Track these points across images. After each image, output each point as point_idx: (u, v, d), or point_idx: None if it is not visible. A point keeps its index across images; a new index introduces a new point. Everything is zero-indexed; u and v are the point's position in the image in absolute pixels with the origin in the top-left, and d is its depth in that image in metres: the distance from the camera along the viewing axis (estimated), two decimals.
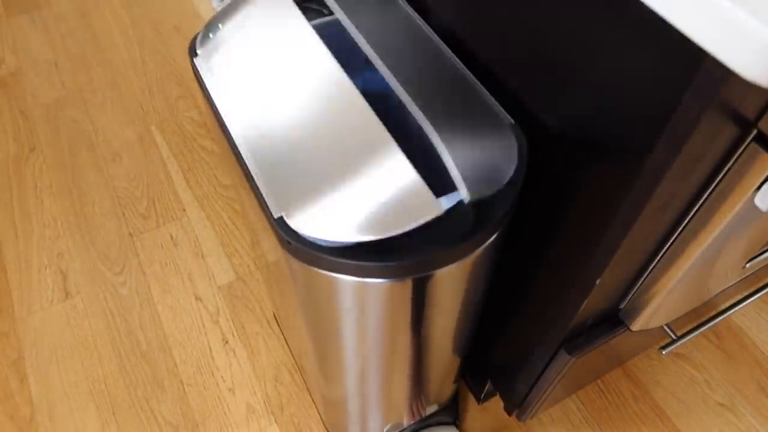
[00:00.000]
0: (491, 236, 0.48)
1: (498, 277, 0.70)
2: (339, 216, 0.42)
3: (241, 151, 0.49)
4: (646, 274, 0.56)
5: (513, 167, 0.48)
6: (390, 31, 0.57)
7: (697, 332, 0.82)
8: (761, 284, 0.90)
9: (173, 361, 1.02)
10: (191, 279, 1.12)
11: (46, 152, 1.32)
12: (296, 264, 0.47)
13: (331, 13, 0.61)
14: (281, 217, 0.44)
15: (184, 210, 1.22)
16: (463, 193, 0.45)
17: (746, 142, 0.41)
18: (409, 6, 0.60)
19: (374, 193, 0.41)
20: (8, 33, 1.58)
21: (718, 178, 0.44)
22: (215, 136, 1.34)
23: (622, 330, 0.64)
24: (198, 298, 1.10)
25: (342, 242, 0.43)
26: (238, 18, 0.58)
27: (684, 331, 0.80)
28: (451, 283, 0.51)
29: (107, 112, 1.40)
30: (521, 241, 0.63)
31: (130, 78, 1.47)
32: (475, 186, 0.45)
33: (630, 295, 0.61)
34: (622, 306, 0.63)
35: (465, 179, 0.45)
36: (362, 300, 0.49)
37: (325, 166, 0.44)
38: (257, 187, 0.47)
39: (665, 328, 0.79)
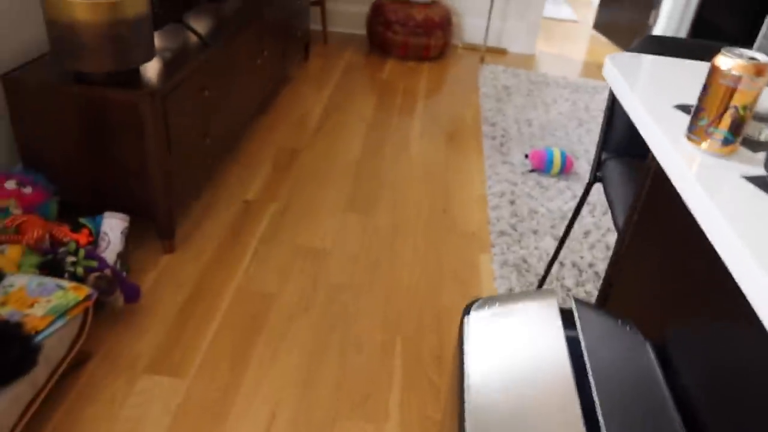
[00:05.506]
0: None
1: None
2: None
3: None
4: None
5: None
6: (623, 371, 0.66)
7: None
8: None
9: None
10: None
11: (317, 311, 1.62)
12: None
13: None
14: None
15: (387, 417, 1.36)
16: None
17: None
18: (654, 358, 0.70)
19: None
20: (332, 226, 2.04)
21: None
22: (448, 380, 1.48)
23: None
24: None
25: None
26: (510, 310, 0.74)
27: None
28: None
29: (370, 310, 1.67)
30: None
31: (401, 294, 1.75)
32: None
33: None
34: None
35: None
36: None
37: None
38: None
39: None
